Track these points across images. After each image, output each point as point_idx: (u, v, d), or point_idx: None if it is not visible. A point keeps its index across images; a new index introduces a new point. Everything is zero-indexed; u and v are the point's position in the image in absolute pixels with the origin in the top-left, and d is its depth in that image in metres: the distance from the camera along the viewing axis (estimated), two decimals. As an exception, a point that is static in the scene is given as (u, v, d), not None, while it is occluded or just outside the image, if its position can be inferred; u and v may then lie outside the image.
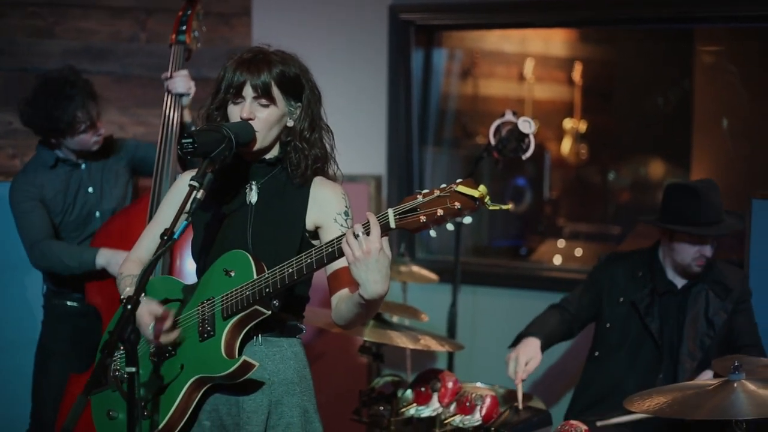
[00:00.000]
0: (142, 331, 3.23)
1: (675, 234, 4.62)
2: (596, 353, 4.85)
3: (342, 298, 3.27)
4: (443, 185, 2.91)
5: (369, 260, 2.97)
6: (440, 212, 2.88)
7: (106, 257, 4.75)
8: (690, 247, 4.60)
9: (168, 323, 3.27)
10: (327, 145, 3.43)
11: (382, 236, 3.00)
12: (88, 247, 4.87)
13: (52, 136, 4.86)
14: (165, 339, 3.28)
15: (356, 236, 2.98)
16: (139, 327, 3.20)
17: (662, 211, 4.67)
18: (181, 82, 4.87)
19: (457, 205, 2.86)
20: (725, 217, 4.60)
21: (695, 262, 4.60)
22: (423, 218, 2.90)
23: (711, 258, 4.61)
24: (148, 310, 3.22)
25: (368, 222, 2.98)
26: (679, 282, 4.70)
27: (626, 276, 4.81)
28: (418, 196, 2.93)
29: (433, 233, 2.67)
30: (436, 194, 2.90)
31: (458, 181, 2.89)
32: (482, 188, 2.87)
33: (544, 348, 4.77)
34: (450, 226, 2.78)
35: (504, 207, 2.95)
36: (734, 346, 4.57)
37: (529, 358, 4.68)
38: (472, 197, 2.85)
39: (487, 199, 2.87)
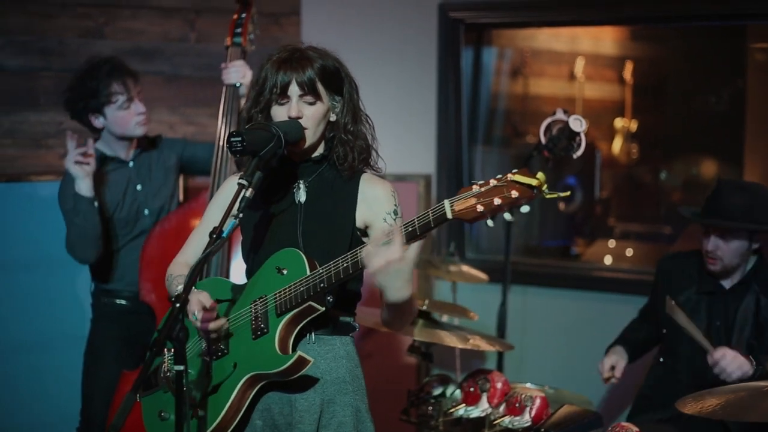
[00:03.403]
0: (190, 318, 3.26)
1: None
2: (660, 359, 4.79)
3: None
4: (499, 176, 2.90)
5: (389, 269, 2.99)
6: (498, 201, 2.87)
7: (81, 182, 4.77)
8: (703, 240, 4.58)
9: (214, 313, 3.29)
10: (368, 136, 3.44)
11: (419, 239, 3.01)
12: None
13: (92, 112, 4.89)
14: (213, 326, 3.29)
15: (380, 245, 2.99)
16: (188, 315, 3.24)
17: None
18: (235, 72, 4.91)
19: (515, 193, 2.85)
20: (743, 216, 4.49)
21: (707, 257, 4.55)
22: (480, 208, 2.88)
23: (717, 254, 4.51)
24: (197, 299, 3.23)
25: (392, 231, 3.00)
26: (728, 283, 4.63)
27: (678, 276, 4.75)
28: (475, 186, 2.92)
29: (490, 223, 2.66)
30: (492, 184, 2.90)
31: (514, 170, 2.88)
32: (540, 176, 2.85)
33: (630, 352, 4.88)
34: (508, 216, 2.78)
35: (562, 195, 2.94)
36: None
37: (613, 362, 4.79)
38: (529, 185, 2.84)
39: (545, 187, 2.85)
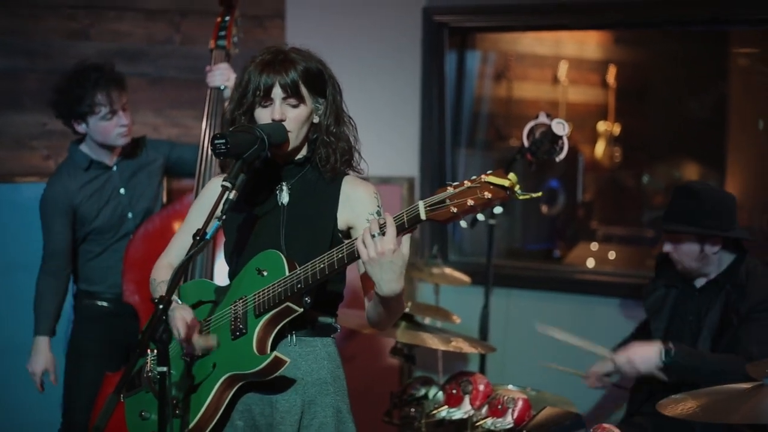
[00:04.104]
0: (175, 334, 3.26)
1: None
2: None
3: (370, 299, 3.28)
4: (474, 177, 2.91)
5: (383, 260, 2.99)
6: (470, 202, 2.88)
7: (39, 344, 4.89)
8: None
9: (197, 331, 3.31)
10: (351, 137, 3.45)
11: (409, 231, 3.02)
12: (51, 316, 4.95)
13: (74, 118, 4.90)
14: (203, 343, 3.31)
15: (372, 236, 2.99)
16: (172, 329, 3.23)
17: None
18: (219, 75, 4.91)
19: (488, 195, 2.86)
20: (688, 220, 4.55)
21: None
22: (454, 209, 2.90)
23: (675, 257, 4.60)
24: (181, 316, 3.24)
25: (385, 222, 2.99)
26: (700, 281, 4.67)
27: (661, 269, 4.82)
28: (449, 187, 2.93)
29: (463, 224, 2.69)
30: (466, 185, 2.91)
31: (488, 171, 2.90)
32: (512, 176, 2.87)
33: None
34: (481, 216, 2.81)
35: (534, 195, 2.96)
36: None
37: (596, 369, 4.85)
38: (502, 186, 2.86)
39: (517, 188, 2.87)
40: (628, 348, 4.48)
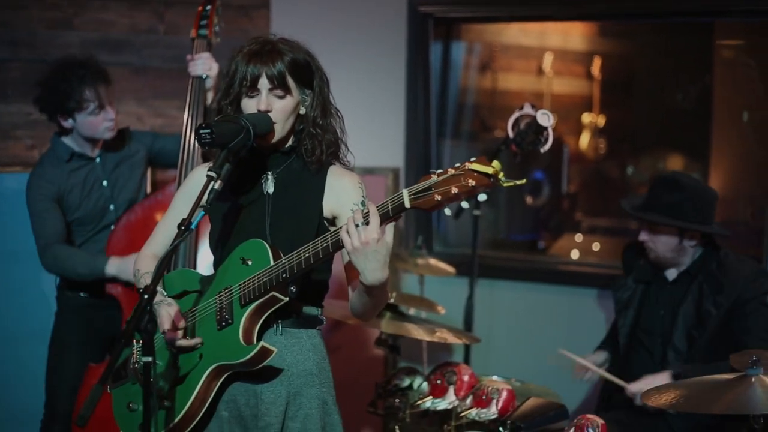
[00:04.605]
0: (161, 330, 3.26)
1: None
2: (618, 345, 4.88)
3: (353, 289, 3.28)
4: (457, 164, 2.91)
5: (367, 250, 2.99)
6: (455, 190, 2.88)
7: (116, 266, 4.81)
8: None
9: (181, 332, 3.31)
10: (338, 129, 3.44)
11: (393, 220, 3.02)
12: (98, 254, 4.90)
13: (61, 114, 4.88)
14: (185, 344, 3.31)
15: (356, 226, 2.99)
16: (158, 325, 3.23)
17: None
18: (201, 64, 4.90)
19: (472, 182, 2.86)
20: (671, 213, 4.56)
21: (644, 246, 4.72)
22: (438, 197, 2.90)
23: (650, 245, 4.66)
24: (167, 313, 3.25)
25: (369, 211, 2.99)
26: (672, 274, 4.68)
27: (629, 264, 4.86)
28: (433, 175, 2.93)
29: (448, 212, 2.68)
30: (450, 173, 2.91)
31: (472, 159, 2.89)
32: (496, 164, 2.87)
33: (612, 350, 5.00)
34: (465, 204, 2.82)
35: (518, 182, 2.96)
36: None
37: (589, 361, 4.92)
38: (486, 174, 2.86)
39: (501, 176, 2.87)
40: (641, 380, 4.49)
